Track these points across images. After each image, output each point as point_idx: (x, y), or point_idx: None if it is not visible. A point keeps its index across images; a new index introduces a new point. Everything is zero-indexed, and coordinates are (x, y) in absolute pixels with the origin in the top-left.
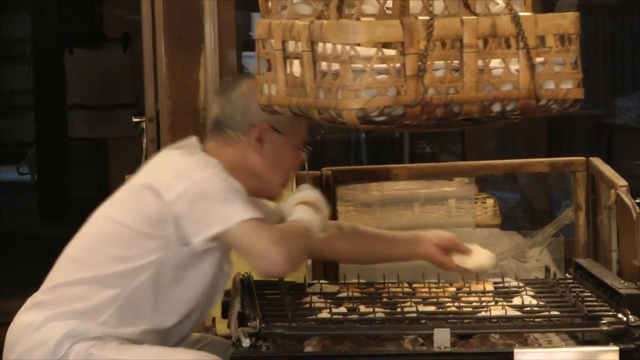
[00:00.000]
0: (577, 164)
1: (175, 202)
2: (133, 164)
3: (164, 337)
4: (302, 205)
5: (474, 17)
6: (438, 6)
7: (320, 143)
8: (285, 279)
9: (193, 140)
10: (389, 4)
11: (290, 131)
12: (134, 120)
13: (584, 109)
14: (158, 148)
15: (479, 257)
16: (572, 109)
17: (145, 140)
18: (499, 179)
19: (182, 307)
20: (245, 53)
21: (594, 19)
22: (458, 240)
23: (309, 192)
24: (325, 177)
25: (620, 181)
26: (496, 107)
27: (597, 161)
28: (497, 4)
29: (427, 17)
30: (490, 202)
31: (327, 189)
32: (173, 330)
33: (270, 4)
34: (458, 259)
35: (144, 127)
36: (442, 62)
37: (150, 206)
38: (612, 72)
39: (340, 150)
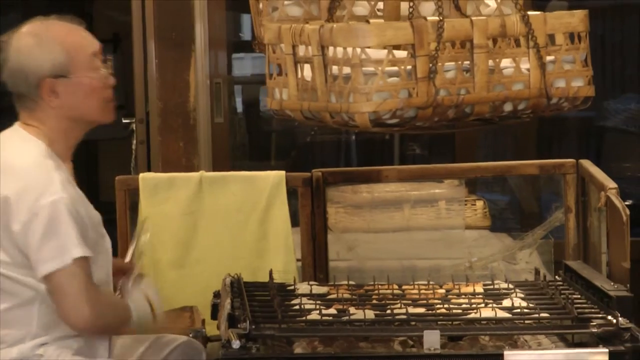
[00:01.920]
0: (567, 166)
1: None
2: (123, 165)
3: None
4: (142, 295)
5: (483, 17)
6: (428, 8)
7: (310, 144)
8: (275, 281)
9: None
10: (380, 5)
11: (75, 67)
12: (124, 121)
13: (574, 112)
14: (148, 149)
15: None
16: (583, 107)
17: (135, 142)
18: (489, 181)
19: None
20: (235, 54)
21: None
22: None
23: (151, 290)
24: (316, 179)
25: (610, 183)
26: (507, 107)
27: (587, 163)
28: (488, 5)
29: (437, 19)
30: (480, 204)
31: (317, 190)
32: None
33: (261, 5)
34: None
35: (134, 128)
36: (452, 63)
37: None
38: (602, 75)
39: (330, 152)
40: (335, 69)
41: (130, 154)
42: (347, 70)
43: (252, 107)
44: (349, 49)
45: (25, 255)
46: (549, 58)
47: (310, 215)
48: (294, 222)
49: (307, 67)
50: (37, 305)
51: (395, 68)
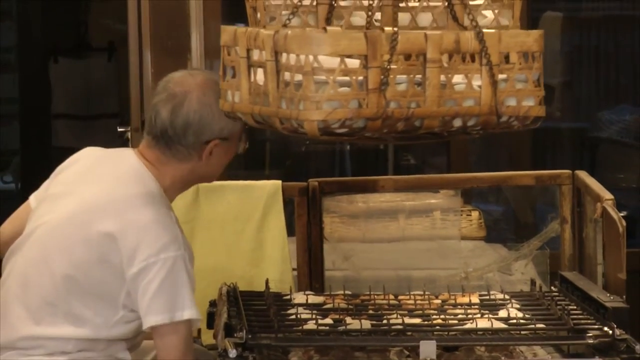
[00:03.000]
0: (563, 177)
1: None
2: None
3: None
4: None
5: (438, 32)
6: (426, 18)
7: (305, 154)
8: (271, 290)
9: (140, 168)
10: (378, 15)
11: (233, 134)
12: (119, 129)
13: (568, 122)
14: None
15: None
16: (533, 126)
17: None
18: (484, 191)
19: None
20: None
21: (578, 32)
22: None
23: None
24: (312, 188)
25: (607, 194)
26: (457, 122)
27: (583, 174)
28: (485, 16)
29: (392, 30)
30: (475, 214)
31: (314, 199)
32: None
33: (259, 15)
34: None
35: (129, 136)
36: (404, 76)
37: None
38: (596, 86)
39: (325, 161)
40: (287, 75)
41: None
42: (299, 77)
43: None
44: (302, 56)
45: (131, 299)
46: (502, 76)
47: (306, 225)
48: (290, 232)
49: (260, 71)
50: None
51: (347, 78)
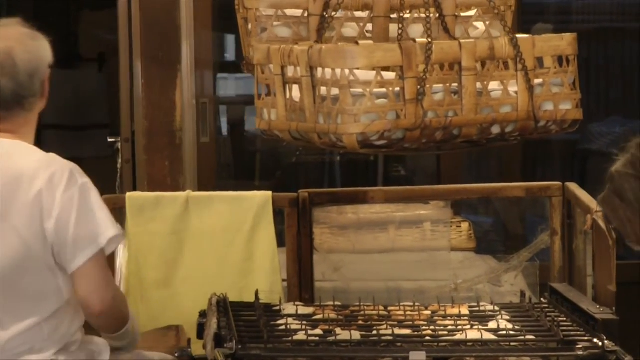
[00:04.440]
0: (553, 189)
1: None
2: (107, 184)
3: None
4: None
5: (471, 40)
6: (417, 30)
7: (295, 165)
8: (261, 301)
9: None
10: (369, 27)
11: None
12: (109, 140)
13: (559, 134)
14: (133, 169)
15: None
16: (571, 130)
17: (120, 161)
18: (474, 203)
19: None
20: (219, 75)
21: None
22: None
23: None
24: (302, 199)
25: (597, 206)
26: (495, 129)
27: (573, 186)
28: (477, 28)
29: (426, 41)
30: (465, 225)
31: (304, 210)
32: None
33: (250, 26)
34: None
35: (119, 147)
36: (440, 85)
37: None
38: (587, 98)
39: (315, 173)
40: (323, 89)
41: (115, 173)
42: (335, 91)
43: (237, 127)
44: (338, 70)
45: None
46: (537, 81)
47: (296, 236)
48: (280, 243)
49: (295, 87)
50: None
51: (384, 90)
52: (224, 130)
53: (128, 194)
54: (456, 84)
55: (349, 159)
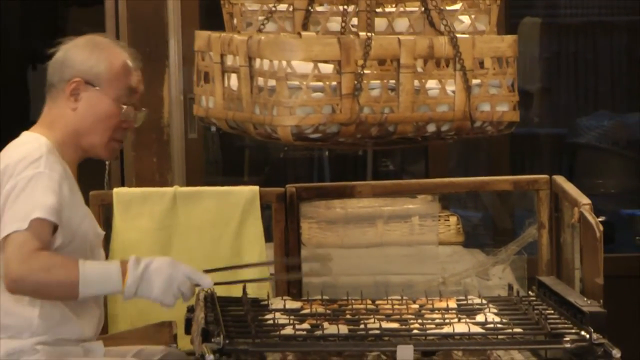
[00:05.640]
0: (540, 182)
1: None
2: (96, 179)
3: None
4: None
5: (411, 37)
6: (403, 24)
7: (283, 160)
8: (249, 296)
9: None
10: (355, 21)
11: (108, 84)
12: None
13: (547, 128)
14: (122, 164)
15: None
16: (507, 132)
17: None
18: (462, 196)
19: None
20: None
21: (556, 38)
22: None
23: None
24: (289, 194)
25: (584, 199)
26: (431, 128)
27: (560, 179)
28: (462, 22)
29: (366, 36)
30: (453, 219)
31: (291, 205)
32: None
33: (235, 20)
34: None
35: None
36: (378, 81)
37: None
38: (575, 92)
39: (303, 168)
40: (261, 80)
41: (103, 169)
42: (272, 82)
43: None
44: (275, 62)
45: None
46: (476, 81)
47: (284, 231)
48: (268, 238)
49: (234, 76)
50: (38, 303)
51: (321, 83)
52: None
53: (115, 189)
54: (394, 81)
55: (337, 154)
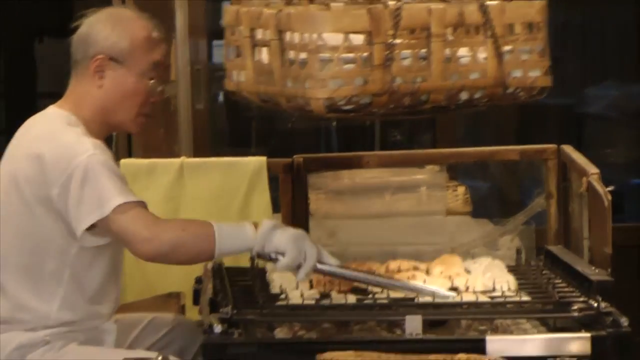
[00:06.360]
0: (548, 151)
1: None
2: None
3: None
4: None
5: (441, 5)
6: None
7: (291, 131)
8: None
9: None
10: None
11: (132, 60)
12: None
13: (555, 98)
14: (129, 136)
15: None
16: (540, 97)
17: None
18: (470, 167)
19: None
20: (215, 42)
21: (564, 9)
22: None
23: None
24: (297, 165)
25: (592, 169)
26: (464, 96)
27: (568, 149)
28: None
29: (396, 5)
30: (461, 189)
31: (298, 176)
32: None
33: None
34: None
35: None
36: (409, 51)
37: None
38: (583, 62)
39: (311, 139)
40: (292, 53)
41: (110, 141)
42: (303, 55)
43: (232, 94)
44: (306, 35)
45: (66, 221)
46: (507, 48)
47: (291, 202)
48: (275, 208)
49: (264, 50)
50: (57, 300)
51: (352, 55)
52: (220, 97)
53: (122, 160)
54: (425, 50)
55: (345, 124)
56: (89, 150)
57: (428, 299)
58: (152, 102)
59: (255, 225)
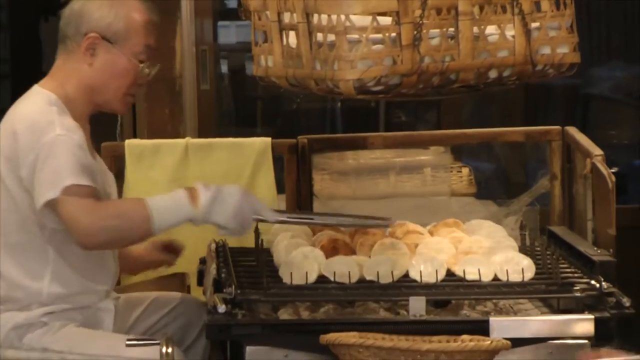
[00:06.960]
0: (552, 133)
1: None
2: (107, 131)
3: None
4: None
5: None
6: None
7: (296, 112)
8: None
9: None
10: None
11: (126, 42)
12: None
13: (560, 79)
14: (134, 116)
15: None
16: (569, 73)
17: None
18: (474, 148)
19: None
20: (220, 22)
21: None
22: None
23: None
24: (301, 145)
25: (596, 150)
26: (493, 74)
27: (572, 130)
28: None
29: None
30: (465, 171)
31: (303, 157)
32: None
33: None
34: None
35: None
36: (437, 30)
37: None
38: (588, 43)
39: (316, 119)
40: (320, 36)
41: (115, 121)
42: (331, 37)
43: (238, 74)
44: (334, 17)
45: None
46: (534, 25)
47: (296, 182)
48: (280, 189)
49: (292, 34)
50: (47, 276)
51: (380, 35)
52: (225, 77)
53: (127, 141)
54: (453, 29)
55: (350, 105)
56: (56, 130)
57: (430, 279)
58: (139, 84)
59: (190, 191)
